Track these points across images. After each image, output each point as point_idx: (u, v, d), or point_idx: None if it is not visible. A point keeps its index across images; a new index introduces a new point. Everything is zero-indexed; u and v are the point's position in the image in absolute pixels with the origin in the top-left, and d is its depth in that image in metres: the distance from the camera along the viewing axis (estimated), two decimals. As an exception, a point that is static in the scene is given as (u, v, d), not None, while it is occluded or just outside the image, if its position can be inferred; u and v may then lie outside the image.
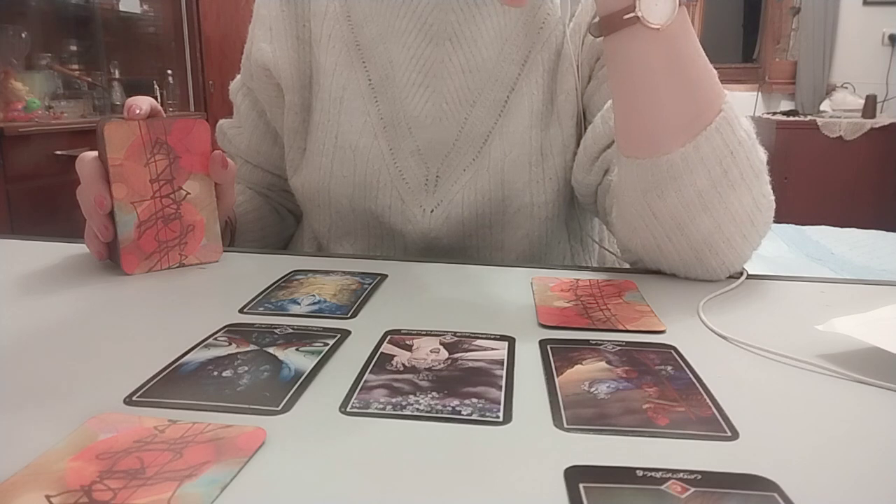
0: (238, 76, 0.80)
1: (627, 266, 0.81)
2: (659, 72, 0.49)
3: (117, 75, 2.96)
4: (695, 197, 0.51)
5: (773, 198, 0.55)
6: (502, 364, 0.39)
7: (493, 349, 0.41)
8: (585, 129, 0.69)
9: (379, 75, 0.69)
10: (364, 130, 0.69)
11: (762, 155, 0.54)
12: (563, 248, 0.75)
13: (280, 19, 0.73)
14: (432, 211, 0.68)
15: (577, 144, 0.69)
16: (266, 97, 0.76)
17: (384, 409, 0.34)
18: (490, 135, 0.67)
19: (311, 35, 0.72)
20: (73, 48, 2.74)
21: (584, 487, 0.27)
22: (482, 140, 0.67)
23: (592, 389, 0.36)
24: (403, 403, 0.34)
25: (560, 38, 0.67)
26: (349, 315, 0.48)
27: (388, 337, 0.43)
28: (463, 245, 0.70)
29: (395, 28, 0.67)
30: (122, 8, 2.95)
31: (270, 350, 0.41)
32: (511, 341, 0.43)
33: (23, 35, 2.43)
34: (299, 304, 0.50)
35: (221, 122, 0.83)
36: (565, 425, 0.32)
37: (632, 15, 0.48)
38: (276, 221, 0.84)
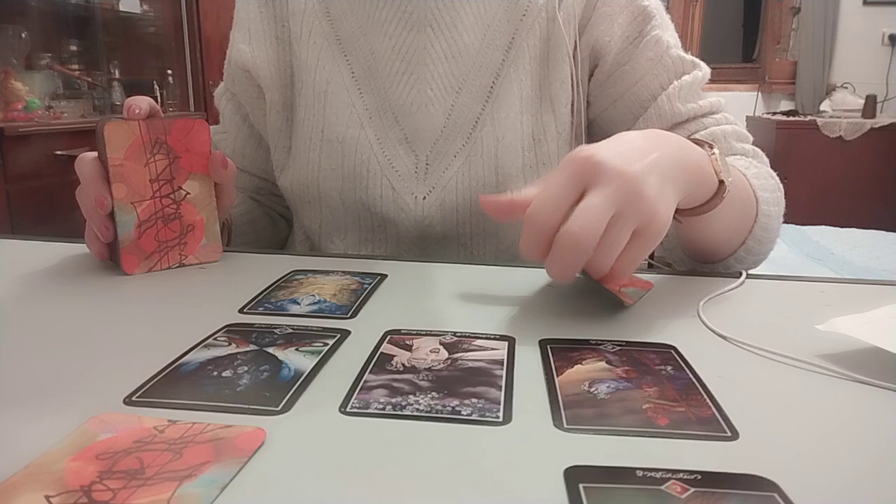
0: (222, 83, 0.81)
1: None
2: (723, 215, 0.54)
3: (117, 75, 2.96)
4: (735, 263, 0.62)
5: (781, 188, 0.66)
6: (502, 364, 0.39)
7: (493, 349, 0.41)
8: (584, 120, 0.71)
9: (361, 67, 0.70)
10: (350, 122, 0.69)
11: (779, 193, 0.64)
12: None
13: (258, 20, 0.74)
14: (424, 198, 0.69)
15: (572, 130, 0.71)
16: (247, 99, 0.77)
17: (384, 409, 0.34)
18: (479, 121, 0.68)
19: (291, 34, 0.73)
20: (73, 48, 2.73)
21: (584, 487, 0.27)
22: (471, 126, 0.68)
23: (592, 389, 0.36)
24: (403, 403, 0.34)
25: (545, 26, 0.68)
26: (349, 315, 0.48)
27: (388, 337, 0.43)
28: (456, 232, 0.70)
29: (375, 19, 0.68)
30: (122, 8, 2.95)
31: (270, 350, 0.41)
32: (511, 341, 0.43)
33: (23, 35, 2.43)
34: (299, 304, 0.50)
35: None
36: (565, 425, 0.32)
37: (727, 191, 0.51)
38: (269, 225, 0.84)
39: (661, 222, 0.43)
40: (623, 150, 0.44)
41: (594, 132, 0.74)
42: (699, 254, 0.62)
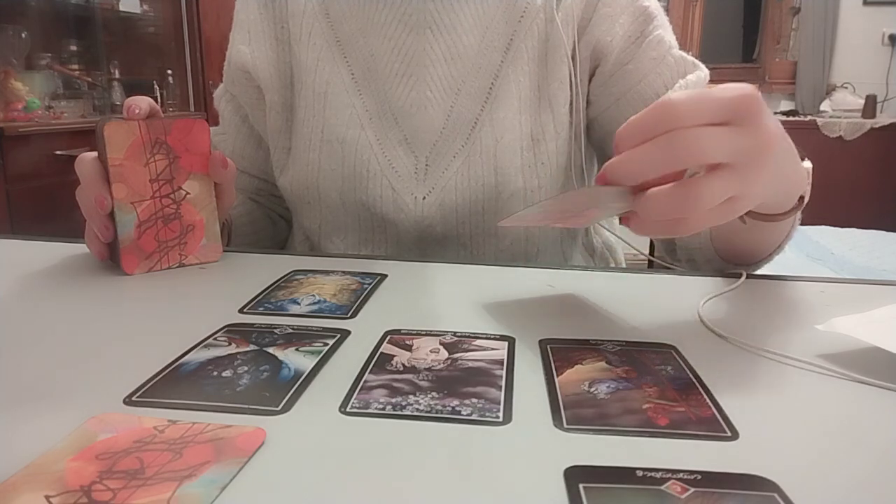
0: (221, 84, 0.81)
1: (622, 263, 0.82)
2: (783, 223, 0.53)
3: (117, 75, 2.96)
4: (762, 263, 0.62)
5: None
6: (502, 364, 0.39)
7: (493, 349, 0.41)
8: (583, 120, 0.71)
9: (361, 69, 0.70)
10: (350, 122, 0.69)
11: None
12: (556, 232, 0.75)
13: (258, 22, 0.74)
14: (424, 198, 0.69)
15: (570, 129, 0.71)
16: (247, 100, 0.77)
17: (384, 409, 0.34)
18: (478, 121, 0.68)
19: (290, 35, 0.73)
20: (73, 48, 2.73)
21: (584, 487, 0.27)
22: (470, 127, 0.68)
23: (592, 389, 0.36)
24: (403, 403, 0.34)
25: (543, 27, 0.68)
26: (349, 315, 0.48)
27: (388, 337, 0.43)
28: (456, 232, 0.71)
29: (375, 20, 0.68)
30: (122, 8, 2.95)
31: (270, 350, 0.41)
32: (511, 341, 0.43)
33: (23, 35, 2.43)
34: (299, 304, 0.50)
35: None
36: (565, 425, 0.32)
37: (806, 201, 0.50)
38: (269, 226, 0.85)
39: (748, 206, 0.40)
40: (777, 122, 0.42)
41: (595, 131, 0.74)
42: (738, 256, 0.61)
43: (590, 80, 0.71)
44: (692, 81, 0.68)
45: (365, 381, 0.37)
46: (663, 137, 0.38)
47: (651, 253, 0.73)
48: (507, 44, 0.68)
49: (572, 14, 0.68)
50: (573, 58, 0.69)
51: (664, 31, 0.69)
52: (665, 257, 0.71)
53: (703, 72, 0.69)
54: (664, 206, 0.38)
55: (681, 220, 0.39)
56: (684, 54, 0.69)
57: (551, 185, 0.71)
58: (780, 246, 0.60)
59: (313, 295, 0.52)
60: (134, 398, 0.35)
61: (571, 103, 0.70)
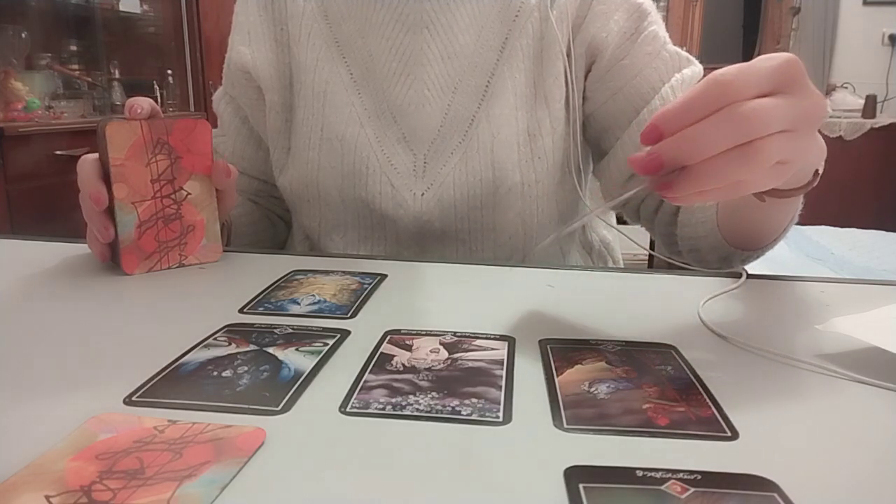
0: (220, 87, 0.81)
1: (620, 261, 0.82)
2: (795, 200, 0.53)
3: (117, 75, 2.96)
4: (765, 249, 0.61)
5: None
6: (502, 364, 0.39)
7: (492, 349, 0.41)
8: (579, 116, 0.72)
9: (360, 69, 0.71)
10: (350, 120, 0.70)
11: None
12: (553, 228, 0.75)
13: (258, 24, 0.75)
14: (423, 195, 0.70)
15: (566, 125, 0.71)
16: (247, 101, 0.78)
17: (384, 409, 0.34)
18: (475, 118, 0.69)
19: (290, 36, 0.73)
20: (73, 48, 2.73)
21: (584, 487, 0.27)
22: (467, 124, 0.69)
23: (592, 389, 0.36)
24: (403, 403, 0.34)
25: (537, 25, 0.69)
26: (349, 315, 0.48)
27: (388, 337, 0.43)
28: (455, 228, 0.71)
29: (373, 21, 0.69)
30: (122, 8, 2.95)
31: (270, 350, 0.41)
32: (511, 341, 0.43)
33: (23, 35, 2.43)
34: (299, 304, 0.50)
35: None
36: (565, 425, 0.32)
37: (820, 174, 0.49)
38: (268, 227, 0.85)
39: (794, 169, 0.40)
40: None
41: (591, 127, 0.74)
42: (746, 239, 0.60)
43: (586, 77, 0.71)
44: (687, 76, 0.68)
45: (365, 381, 0.37)
46: (722, 113, 0.37)
47: (651, 249, 0.74)
48: (503, 42, 0.69)
49: (567, 12, 0.69)
50: (568, 55, 0.69)
51: (658, 27, 0.70)
52: (664, 252, 0.72)
53: (698, 67, 0.70)
54: (728, 168, 0.38)
55: (741, 182, 0.39)
56: (678, 50, 0.70)
57: (548, 180, 0.71)
58: (785, 229, 0.60)
59: (313, 295, 0.52)
60: (134, 398, 0.35)
61: (567, 99, 0.71)
